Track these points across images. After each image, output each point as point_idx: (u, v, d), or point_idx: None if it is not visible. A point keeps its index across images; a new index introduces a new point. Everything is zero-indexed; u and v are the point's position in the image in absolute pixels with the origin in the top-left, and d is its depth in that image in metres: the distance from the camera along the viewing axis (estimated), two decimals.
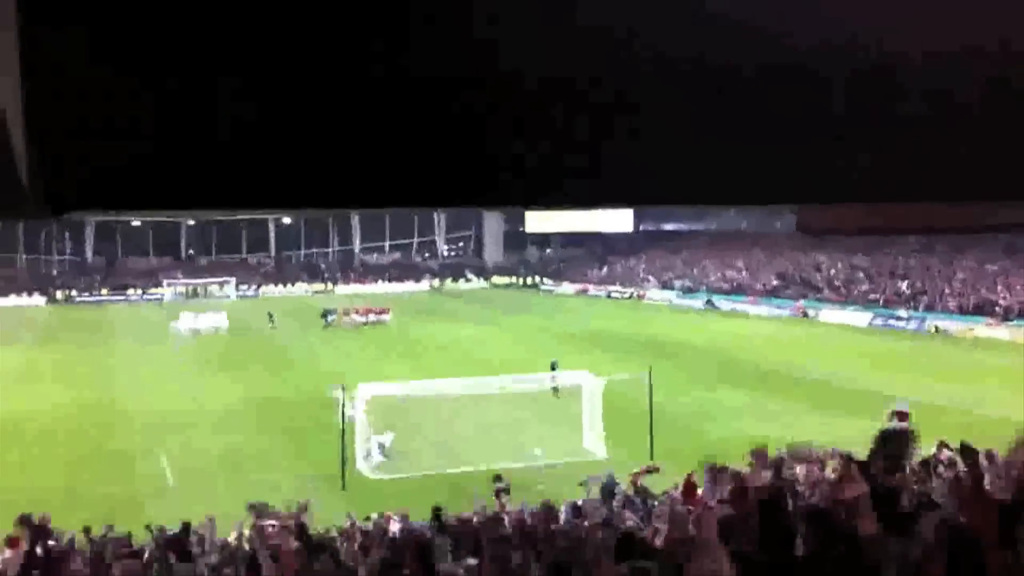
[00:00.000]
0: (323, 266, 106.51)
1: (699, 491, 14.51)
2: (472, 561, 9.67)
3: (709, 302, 77.49)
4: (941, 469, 13.57)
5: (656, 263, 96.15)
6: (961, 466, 13.62)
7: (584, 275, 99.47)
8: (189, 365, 46.33)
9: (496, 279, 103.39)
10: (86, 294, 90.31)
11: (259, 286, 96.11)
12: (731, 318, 68.42)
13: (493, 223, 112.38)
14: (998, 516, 6.75)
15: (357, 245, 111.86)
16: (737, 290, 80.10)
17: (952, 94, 1.95)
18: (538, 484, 22.40)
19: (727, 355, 47.26)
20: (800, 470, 12.97)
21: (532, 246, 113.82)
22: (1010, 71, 1.98)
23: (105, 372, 44.27)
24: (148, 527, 16.36)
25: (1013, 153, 2.00)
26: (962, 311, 60.88)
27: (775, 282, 78.82)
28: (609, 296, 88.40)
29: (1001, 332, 54.75)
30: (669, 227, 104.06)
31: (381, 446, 26.97)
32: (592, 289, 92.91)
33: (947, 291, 64.96)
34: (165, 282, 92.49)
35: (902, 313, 63.49)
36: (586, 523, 12.19)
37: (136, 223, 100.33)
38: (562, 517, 14.78)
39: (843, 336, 56.84)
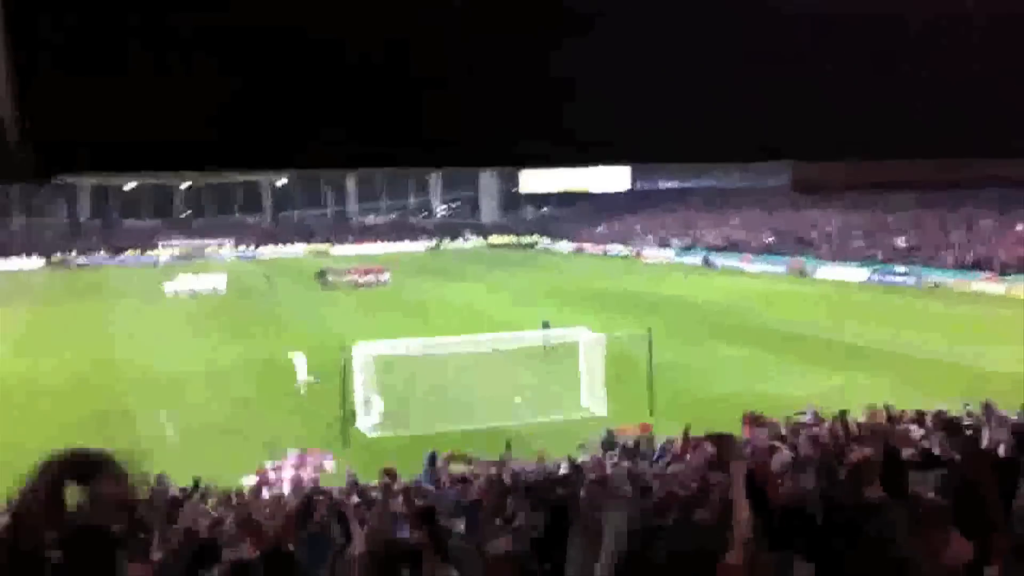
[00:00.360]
0: (320, 227, 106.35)
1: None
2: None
3: (706, 259, 77.55)
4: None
5: (653, 221, 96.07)
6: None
7: (581, 234, 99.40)
8: (187, 326, 46.37)
9: (493, 238, 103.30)
10: (83, 257, 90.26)
11: (256, 247, 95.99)
12: (728, 275, 68.46)
13: (489, 182, 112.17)
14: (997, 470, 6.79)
15: (353, 206, 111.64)
16: (734, 247, 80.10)
17: (948, 48, 1.94)
18: (536, 441, 22.48)
19: (725, 312, 47.34)
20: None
21: (529, 205, 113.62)
22: (1005, 26, 1.97)
23: (103, 333, 44.30)
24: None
25: (1008, 108, 1.99)
26: (960, 266, 60.91)
27: (771, 239, 78.80)
28: (606, 254, 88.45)
29: (998, 287, 54.82)
30: (666, 185, 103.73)
31: (374, 405, 27.11)
32: (589, 248, 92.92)
33: (944, 247, 64.97)
34: (161, 244, 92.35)
35: (899, 269, 63.51)
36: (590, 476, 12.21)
37: (131, 186, 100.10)
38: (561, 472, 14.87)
39: (840, 292, 56.89)
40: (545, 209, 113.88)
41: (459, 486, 14.28)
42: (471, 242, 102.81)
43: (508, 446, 20.53)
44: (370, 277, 65.58)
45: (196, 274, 65.27)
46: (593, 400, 27.85)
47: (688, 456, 14.03)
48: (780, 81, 1.88)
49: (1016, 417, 14.40)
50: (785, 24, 1.85)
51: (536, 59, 1.77)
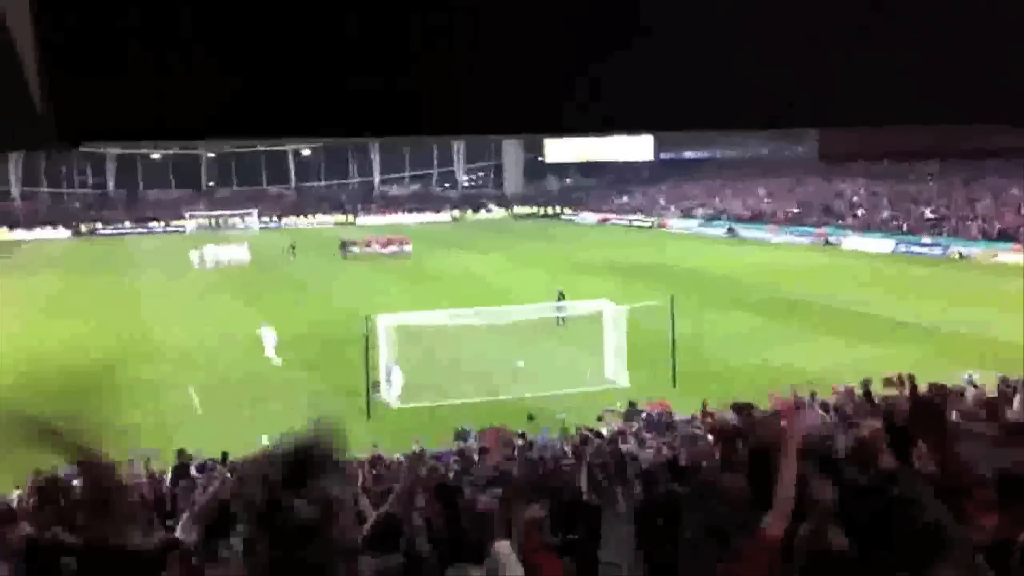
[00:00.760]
0: (344, 197, 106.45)
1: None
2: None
3: (730, 230, 77.20)
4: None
5: (677, 192, 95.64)
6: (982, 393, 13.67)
7: (605, 204, 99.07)
8: (212, 296, 46.61)
9: (517, 209, 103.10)
10: (109, 227, 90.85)
11: (280, 217, 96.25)
12: (753, 246, 68.16)
13: (513, 153, 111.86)
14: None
15: (377, 176, 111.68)
16: (758, 218, 79.69)
17: (975, 16, 1.92)
18: (558, 413, 22.51)
19: (749, 283, 47.15)
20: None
21: (552, 176, 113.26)
22: None
23: (129, 304, 44.62)
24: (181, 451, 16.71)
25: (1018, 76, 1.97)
26: (986, 237, 60.41)
27: (797, 210, 78.33)
28: (631, 225, 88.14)
29: None
30: (689, 155, 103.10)
31: (395, 376, 27.18)
32: (613, 218, 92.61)
33: (970, 217, 64.42)
34: (187, 214, 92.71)
35: (926, 240, 63.04)
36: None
37: (156, 156, 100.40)
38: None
39: (866, 263, 56.53)
40: (568, 180, 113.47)
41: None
42: (494, 213, 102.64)
43: (531, 418, 20.60)
44: (392, 248, 65.59)
45: (219, 244, 65.43)
46: (616, 371, 27.87)
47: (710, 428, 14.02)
48: (802, 49, 1.86)
49: None
50: None
51: (561, 31, 1.76)
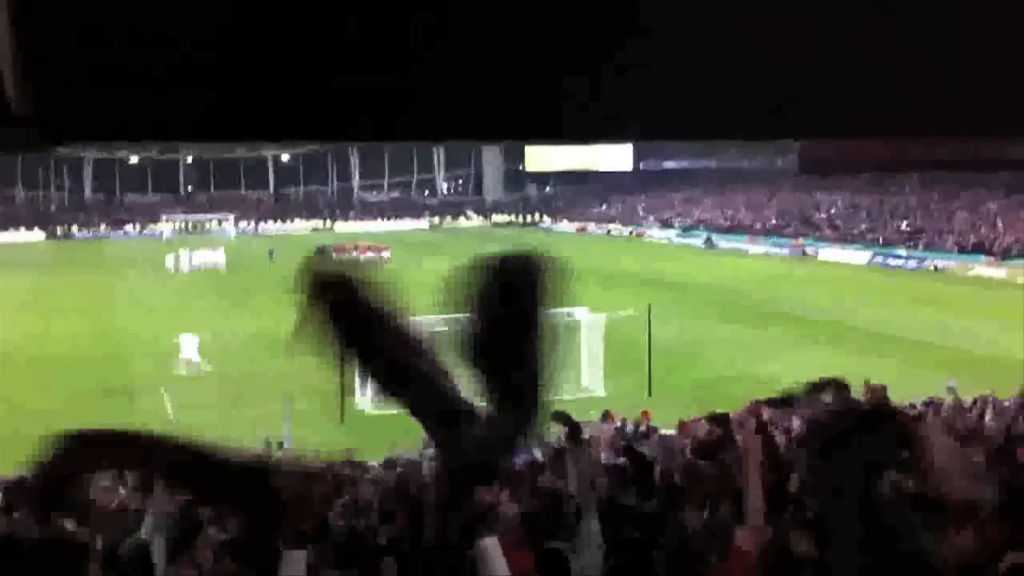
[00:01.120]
0: (323, 203, 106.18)
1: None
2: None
3: (708, 240, 77.45)
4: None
5: (656, 201, 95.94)
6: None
7: (584, 213, 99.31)
8: (187, 300, 46.38)
9: (496, 217, 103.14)
10: (85, 230, 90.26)
11: (258, 223, 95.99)
12: (731, 256, 68.40)
13: (493, 160, 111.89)
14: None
15: (356, 182, 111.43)
16: (737, 228, 80.00)
17: (954, 30, 1.92)
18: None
19: (727, 293, 47.31)
20: None
21: (532, 184, 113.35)
22: (1014, 7, 1.95)
23: (103, 306, 44.32)
24: None
25: (1013, 89, 1.97)
26: (961, 250, 60.87)
27: (774, 221, 78.71)
28: (609, 234, 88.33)
29: (999, 271, 54.78)
30: (669, 165, 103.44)
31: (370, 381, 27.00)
32: (592, 227, 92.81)
33: (946, 230, 64.89)
34: (164, 218, 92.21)
35: (901, 252, 63.47)
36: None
37: (134, 159, 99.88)
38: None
39: (842, 274, 56.83)
40: (548, 188, 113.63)
41: None
42: (473, 220, 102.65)
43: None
44: (370, 254, 65.37)
45: (195, 249, 65.11)
46: (592, 380, 27.85)
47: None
48: (789, 60, 1.86)
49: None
50: (793, 2, 1.83)
51: (546, 38, 1.75)
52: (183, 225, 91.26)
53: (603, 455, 13.43)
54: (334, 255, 63.05)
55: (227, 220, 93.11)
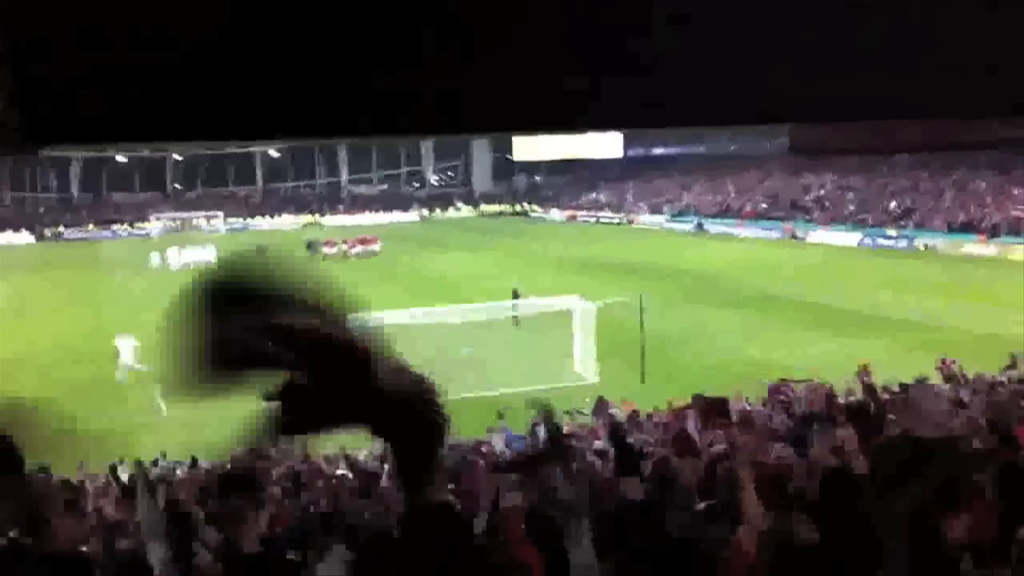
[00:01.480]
0: (311, 198, 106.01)
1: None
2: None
3: (699, 225, 77.54)
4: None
5: (645, 188, 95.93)
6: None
7: (573, 201, 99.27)
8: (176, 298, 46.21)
9: (485, 207, 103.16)
10: (73, 230, 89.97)
11: (247, 219, 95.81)
12: (721, 241, 68.54)
13: (481, 151, 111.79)
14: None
15: (345, 176, 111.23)
16: (727, 213, 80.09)
17: (943, 12, 1.92)
18: (529, 410, 22.38)
19: (718, 278, 47.35)
20: None
21: (521, 174, 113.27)
22: None
23: (92, 306, 44.23)
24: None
25: (1000, 70, 1.97)
26: (951, 229, 61.01)
27: (764, 204, 78.79)
28: (599, 222, 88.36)
29: (989, 249, 54.99)
30: (658, 151, 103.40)
31: None
32: (582, 215, 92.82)
33: (936, 209, 65.02)
34: (153, 217, 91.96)
35: (891, 232, 63.60)
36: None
37: (122, 159, 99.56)
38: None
39: (832, 257, 56.92)
40: (538, 178, 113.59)
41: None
42: (463, 211, 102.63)
43: (500, 416, 20.49)
44: (360, 247, 65.21)
45: (184, 247, 64.90)
46: (585, 367, 27.89)
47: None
48: (778, 45, 1.86)
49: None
50: None
51: (538, 28, 1.74)
52: (173, 223, 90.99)
53: (597, 444, 13.44)
54: (324, 249, 63.17)
55: (216, 217, 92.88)
